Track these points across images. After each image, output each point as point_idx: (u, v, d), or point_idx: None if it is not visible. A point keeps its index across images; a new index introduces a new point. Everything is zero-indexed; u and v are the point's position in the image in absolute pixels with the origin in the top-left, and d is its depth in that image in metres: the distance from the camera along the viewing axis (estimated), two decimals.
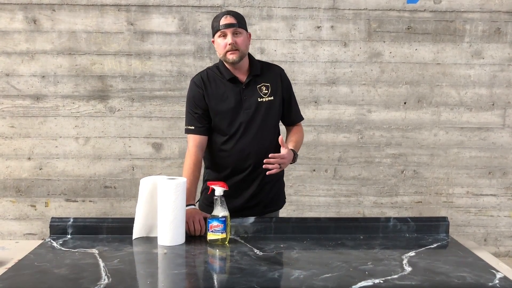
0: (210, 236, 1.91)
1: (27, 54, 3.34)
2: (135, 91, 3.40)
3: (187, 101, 2.22)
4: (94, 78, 3.38)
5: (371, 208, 3.55)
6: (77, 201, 3.47)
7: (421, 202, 3.56)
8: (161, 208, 1.90)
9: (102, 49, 3.36)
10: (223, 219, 1.90)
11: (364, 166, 3.52)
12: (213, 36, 2.13)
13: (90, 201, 3.47)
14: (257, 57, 2.94)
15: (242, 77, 2.17)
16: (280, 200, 2.39)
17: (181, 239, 1.93)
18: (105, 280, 1.57)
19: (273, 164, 2.03)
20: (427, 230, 2.11)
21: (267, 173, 2.04)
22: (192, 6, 3.34)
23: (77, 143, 3.43)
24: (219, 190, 1.93)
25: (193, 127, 2.17)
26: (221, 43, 2.09)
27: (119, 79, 3.39)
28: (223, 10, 2.16)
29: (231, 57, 2.09)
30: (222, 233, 1.90)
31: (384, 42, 3.42)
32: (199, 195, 2.32)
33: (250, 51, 2.32)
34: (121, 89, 3.39)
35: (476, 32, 3.42)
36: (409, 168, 3.53)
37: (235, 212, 2.05)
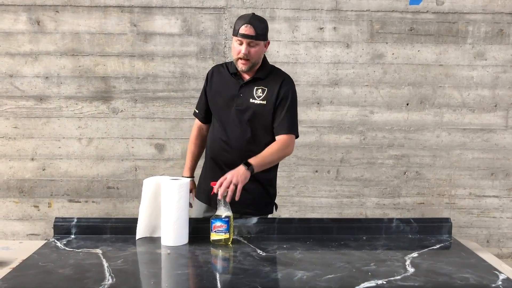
0: (214, 236, 1.92)
1: (31, 55, 3.36)
2: (138, 92, 3.41)
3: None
4: (97, 79, 3.39)
5: (374, 209, 3.55)
6: (80, 202, 3.48)
7: (423, 203, 3.56)
8: (165, 208, 1.91)
9: (105, 50, 3.37)
10: (226, 219, 1.91)
11: (367, 167, 3.52)
12: (233, 34, 2.17)
13: (93, 201, 3.48)
14: None
15: (247, 76, 2.23)
16: (266, 205, 2.31)
17: (185, 239, 1.94)
18: (109, 280, 1.58)
19: (225, 190, 1.93)
20: (430, 231, 2.11)
21: (236, 198, 1.94)
22: (195, 7, 3.35)
23: (80, 144, 3.44)
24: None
25: (197, 111, 2.41)
26: (236, 48, 2.15)
27: (122, 80, 3.40)
28: (243, 14, 2.18)
29: (240, 65, 2.17)
30: (225, 233, 1.91)
31: (387, 43, 3.42)
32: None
33: None
34: (124, 90, 3.40)
35: (478, 34, 3.42)
36: (412, 169, 3.53)
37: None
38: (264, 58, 2.26)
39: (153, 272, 1.71)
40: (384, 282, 1.59)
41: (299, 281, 1.60)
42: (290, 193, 3.50)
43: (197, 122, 2.43)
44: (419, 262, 1.79)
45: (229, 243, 1.93)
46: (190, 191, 2.22)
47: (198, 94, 2.43)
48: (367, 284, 1.58)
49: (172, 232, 1.90)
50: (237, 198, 1.95)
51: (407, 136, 3.50)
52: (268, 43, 2.22)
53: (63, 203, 3.48)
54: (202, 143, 2.41)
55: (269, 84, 2.22)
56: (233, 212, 2.00)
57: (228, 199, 1.94)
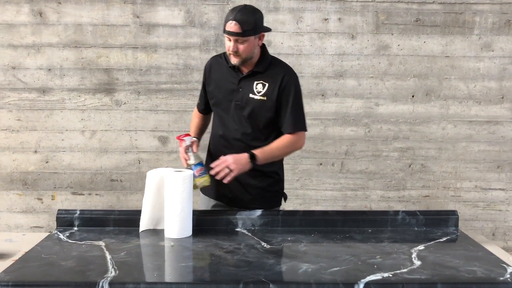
0: (199, 180, 2.02)
1: (33, 47, 3.34)
2: (141, 84, 3.39)
3: None
4: (100, 71, 3.37)
5: (378, 202, 3.53)
6: (84, 194, 3.48)
7: (428, 196, 3.53)
8: (168, 200, 1.90)
9: (108, 42, 3.34)
10: (201, 162, 2.07)
11: (371, 160, 3.50)
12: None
13: (97, 194, 3.48)
14: None
15: (246, 69, 2.16)
16: (273, 198, 2.28)
17: (188, 231, 1.93)
18: (112, 272, 1.57)
19: (220, 169, 2.01)
20: (436, 223, 2.09)
21: (224, 181, 2.01)
22: None
23: (83, 136, 3.43)
24: (188, 140, 2.08)
25: (199, 102, 2.40)
26: (226, 44, 2.12)
27: (125, 72, 3.38)
28: (234, 7, 2.11)
29: (232, 60, 2.12)
30: (206, 174, 2.05)
31: (392, 34, 3.38)
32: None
33: None
34: (127, 82, 3.39)
35: (485, 24, 3.38)
36: (417, 162, 3.50)
37: (225, 198, 2.21)
38: (264, 50, 2.17)
39: (157, 264, 1.70)
40: (390, 275, 1.58)
41: (304, 274, 1.59)
42: (294, 186, 3.48)
43: (196, 113, 2.44)
44: (425, 255, 1.77)
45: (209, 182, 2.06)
46: (191, 146, 2.09)
47: (201, 86, 2.41)
48: (372, 277, 1.56)
49: (176, 224, 1.89)
50: (225, 181, 2.01)
51: (412, 129, 3.47)
52: (263, 36, 2.11)
53: (66, 196, 3.47)
54: (205, 120, 2.41)
55: (270, 79, 2.12)
56: (238, 208, 2.13)
57: (218, 177, 2.02)
